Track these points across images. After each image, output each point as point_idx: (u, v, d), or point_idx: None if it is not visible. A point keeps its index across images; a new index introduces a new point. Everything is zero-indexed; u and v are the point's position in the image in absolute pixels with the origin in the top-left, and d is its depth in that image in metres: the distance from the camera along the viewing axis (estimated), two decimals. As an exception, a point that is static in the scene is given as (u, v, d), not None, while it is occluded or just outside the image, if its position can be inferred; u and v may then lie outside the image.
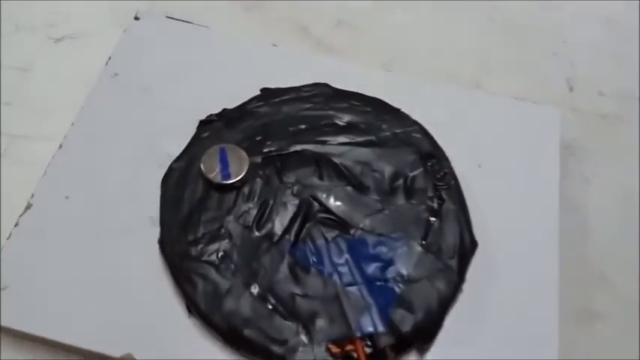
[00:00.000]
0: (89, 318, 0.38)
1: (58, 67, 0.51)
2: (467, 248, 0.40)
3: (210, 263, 0.39)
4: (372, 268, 0.39)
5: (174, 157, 0.44)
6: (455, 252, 0.40)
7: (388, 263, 0.39)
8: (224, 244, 0.40)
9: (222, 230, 0.40)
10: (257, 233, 0.40)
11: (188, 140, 0.45)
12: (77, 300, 0.39)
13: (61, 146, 0.46)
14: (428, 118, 0.47)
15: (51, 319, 0.38)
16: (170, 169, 0.43)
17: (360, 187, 0.43)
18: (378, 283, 0.39)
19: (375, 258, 0.40)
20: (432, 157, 0.44)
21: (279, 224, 0.41)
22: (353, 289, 0.38)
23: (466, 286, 0.40)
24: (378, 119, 0.46)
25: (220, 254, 0.39)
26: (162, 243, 0.40)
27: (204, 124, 0.45)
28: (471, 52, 0.57)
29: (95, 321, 0.38)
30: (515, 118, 0.49)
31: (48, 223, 0.42)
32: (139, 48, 0.50)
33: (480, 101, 0.50)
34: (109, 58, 0.50)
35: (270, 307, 0.38)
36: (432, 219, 0.41)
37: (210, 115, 0.46)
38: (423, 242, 0.40)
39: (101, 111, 0.47)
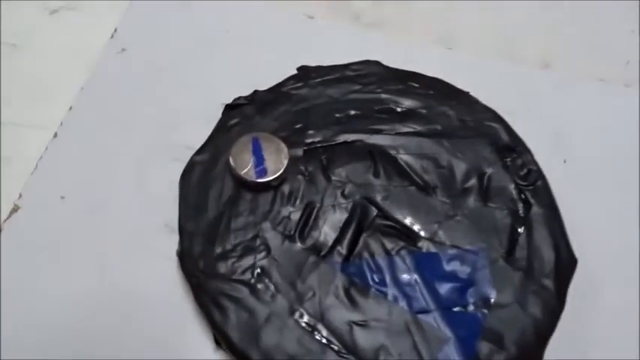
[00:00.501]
0: (90, 349, 0.30)
1: (54, 43, 0.43)
2: (565, 265, 0.32)
3: (245, 283, 0.31)
4: (447, 290, 0.31)
5: (194, 150, 0.36)
6: (551, 269, 0.32)
7: (467, 283, 0.31)
8: (260, 258, 0.31)
9: (258, 241, 0.32)
10: (301, 245, 0.32)
11: (211, 129, 0.37)
12: (74, 327, 0.31)
13: (56, 135, 0.38)
14: (497, 103, 0.39)
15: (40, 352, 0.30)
16: (191, 164, 0.35)
17: (426, 187, 0.34)
18: (457, 309, 0.31)
19: (451, 277, 0.31)
20: (511, 150, 0.36)
21: (327, 233, 0.32)
22: (426, 317, 0.30)
23: (565, 313, 0.32)
24: (443, 104, 0.38)
25: (257, 272, 0.31)
26: (183, 256, 0.32)
27: (231, 109, 0.37)
28: (536, 28, 0.49)
29: (97, 353, 0.30)
30: (601, 103, 0.41)
31: (39, 229, 0.34)
32: (150, 19, 0.42)
33: (556, 84, 0.42)
34: (115, 31, 0.42)
35: (321, 340, 0.29)
36: (518, 227, 0.33)
37: (239, 97, 0.37)
38: (509, 256, 0.32)
39: (105, 93, 0.39)
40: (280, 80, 0.39)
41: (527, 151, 0.36)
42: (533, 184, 0.35)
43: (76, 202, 0.35)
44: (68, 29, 0.44)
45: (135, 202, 0.35)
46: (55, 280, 0.33)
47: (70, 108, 0.39)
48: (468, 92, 0.39)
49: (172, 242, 0.33)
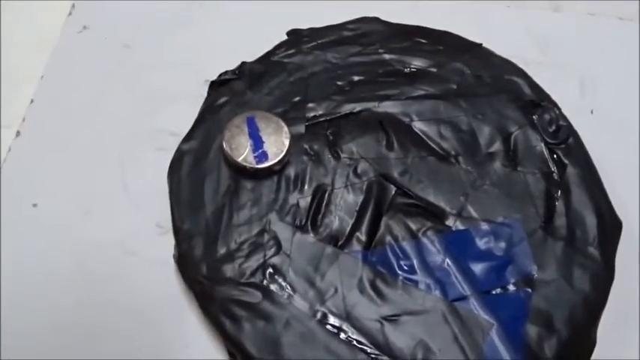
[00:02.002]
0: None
1: (5, 29, 0.37)
2: (609, 229, 0.29)
3: (256, 286, 0.27)
4: (484, 271, 0.28)
5: (180, 136, 0.31)
6: (595, 236, 0.28)
7: (505, 261, 0.28)
8: (271, 255, 0.28)
9: (266, 236, 0.28)
10: (314, 235, 0.28)
11: (197, 110, 0.32)
12: (61, 354, 0.27)
13: (18, 133, 0.33)
14: (512, 52, 0.35)
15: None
16: (179, 154, 0.30)
17: (446, 156, 0.31)
18: (497, 292, 0.27)
19: (486, 255, 0.28)
20: (537, 105, 0.32)
21: (343, 219, 0.29)
22: (464, 304, 0.27)
23: (614, 284, 0.28)
24: (456, 60, 0.33)
25: (268, 271, 0.27)
26: (182, 261, 0.28)
27: (218, 86, 0.33)
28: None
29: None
30: (624, 43, 0.37)
31: (10, 240, 0.29)
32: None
33: (574, 26, 0.38)
34: (73, 7, 0.36)
35: (350, 341, 0.26)
36: (554, 192, 0.30)
37: (225, 72, 0.33)
38: (548, 225, 0.29)
39: (68, 80, 0.34)
40: (270, 48, 0.34)
41: (555, 104, 0.32)
42: (565, 141, 0.31)
43: (52, 208, 0.31)
44: (19, 10, 0.39)
45: (119, 203, 0.31)
46: (36, 293, 0.28)
47: (32, 101, 0.34)
48: (480, 44, 0.35)
49: (167, 245, 0.29)
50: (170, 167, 0.30)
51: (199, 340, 0.28)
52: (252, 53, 0.34)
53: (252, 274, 0.27)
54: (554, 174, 0.30)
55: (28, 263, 0.29)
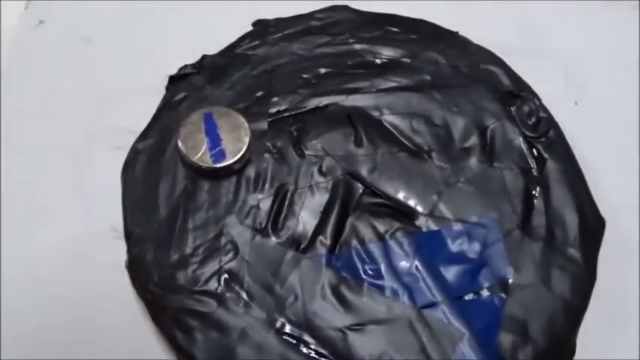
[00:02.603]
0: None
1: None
2: (591, 228, 0.27)
3: (210, 294, 0.25)
4: (456, 275, 0.26)
5: (136, 134, 0.29)
6: (576, 236, 0.27)
7: (479, 264, 0.26)
8: (227, 260, 0.26)
9: (223, 239, 0.26)
10: (275, 239, 0.26)
11: (155, 106, 0.30)
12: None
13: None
14: (490, 41, 0.33)
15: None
16: (133, 153, 0.29)
17: (419, 152, 0.29)
18: (469, 298, 0.25)
19: (459, 258, 0.26)
20: (516, 96, 0.30)
21: (306, 221, 0.27)
22: (433, 311, 0.25)
23: (595, 288, 0.27)
24: (430, 49, 0.31)
25: (224, 278, 0.25)
26: (132, 267, 0.26)
27: (176, 81, 0.31)
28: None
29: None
30: (610, 29, 0.35)
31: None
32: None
33: (556, 11, 0.36)
34: (28, 0, 0.35)
35: (309, 353, 0.24)
36: (533, 189, 0.28)
37: (185, 66, 0.31)
38: (525, 225, 0.27)
39: (25, 77, 0.33)
40: (233, 40, 0.32)
41: (534, 95, 0.30)
42: (545, 134, 0.29)
43: (4, 209, 0.29)
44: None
45: (73, 205, 0.29)
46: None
47: (-15, 99, 0.32)
48: (456, 32, 0.33)
49: (121, 250, 0.28)
50: (124, 167, 0.28)
51: (153, 350, 0.26)
52: (218, 44, 0.32)
53: (207, 281, 0.25)
54: (533, 170, 0.28)
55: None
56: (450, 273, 0.26)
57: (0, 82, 0.32)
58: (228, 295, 0.25)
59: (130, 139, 0.30)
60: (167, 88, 0.31)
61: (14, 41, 0.34)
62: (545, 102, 0.31)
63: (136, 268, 0.26)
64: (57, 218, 0.29)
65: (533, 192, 0.28)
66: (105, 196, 0.29)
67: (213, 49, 0.32)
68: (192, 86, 0.30)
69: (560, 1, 0.37)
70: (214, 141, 0.28)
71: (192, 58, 0.32)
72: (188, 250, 0.26)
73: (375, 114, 0.30)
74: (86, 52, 0.34)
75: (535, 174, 0.28)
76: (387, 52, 0.31)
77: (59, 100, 0.32)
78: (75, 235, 0.28)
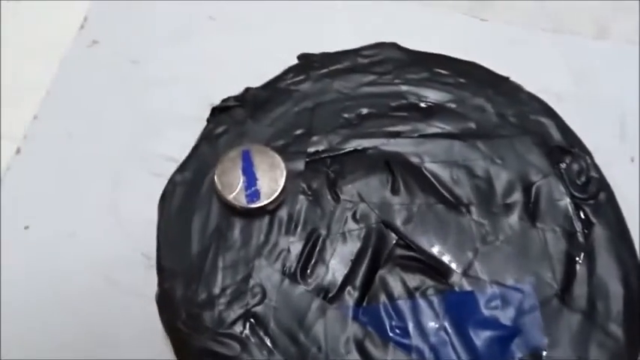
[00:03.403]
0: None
1: (10, 33, 0.37)
2: (637, 305, 0.25)
3: (235, 338, 0.25)
4: (486, 342, 0.25)
5: (176, 162, 0.30)
6: (620, 312, 0.25)
7: (512, 332, 0.25)
8: (254, 304, 0.26)
9: (251, 282, 0.26)
10: (303, 285, 0.26)
11: (196, 135, 0.31)
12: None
13: (18, 151, 0.32)
14: (543, 85, 0.31)
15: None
16: (171, 184, 0.29)
17: (457, 205, 0.28)
18: (499, 366, 0.25)
19: (491, 323, 0.25)
20: (566, 152, 0.29)
21: (336, 269, 0.26)
22: (459, 377, 0.24)
23: (638, 366, 0.25)
24: (478, 95, 0.30)
25: (249, 322, 0.25)
26: (161, 301, 0.26)
27: (218, 113, 0.31)
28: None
29: None
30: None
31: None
32: (125, 3, 0.36)
33: (617, 57, 0.34)
34: (85, 20, 0.36)
35: (329, 409, 0.24)
36: (576, 255, 0.27)
37: (227, 98, 0.31)
38: (565, 294, 0.26)
39: (73, 95, 0.33)
40: (278, 74, 0.32)
41: (586, 152, 0.29)
42: (595, 197, 0.28)
43: (42, 228, 0.30)
44: (28, 17, 0.38)
45: (107, 228, 0.30)
46: (11, 317, 0.28)
47: (35, 117, 0.33)
48: (508, 78, 0.31)
49: (151, 277, 0.28)
50: (161, 198, 0.29)
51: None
52: (260, 76, 0.32)
53: (233, 323, 0.25)
54: (579, 234, 0.27)
55: (11, 284, 0.29)
56: (480, 339, 0.25)
57: (49, 99, 0.33)
58: (252, 340, 0.25)
59: (168, 167, 0.31)
60: (208, 120, 0.31)
61: (66, 59, 0.35)
62: (597, 157, 0.30)
63: (165, 303, 0.26)
64: (91, 239, 0.30)
65: (577, 258, 0.26)
66: (139, 222, 0.30)
67: (259, 77, 0.32)
68: (234, 119, 0.30)
69: (623, 44, 0.35)
70: (250, 180, 0.28)
71: (237, 85, 0.32)
72: (216, 291, 0.26)
73: (415, 161, 0.29)
74: (133, 74, 0.34)
75: (580, 239, 0.27)
76: (433, 96, 0.30)
77: (103, 120, 0.33)
78: (106, 258, 0.29)
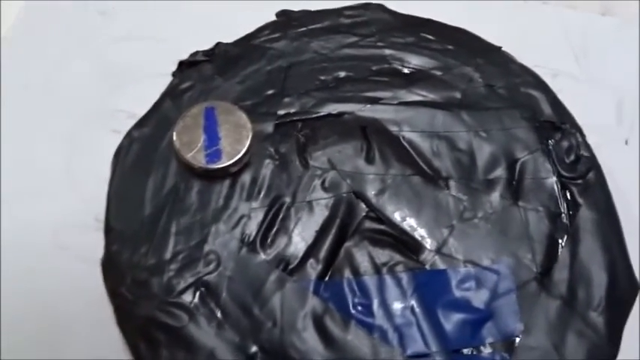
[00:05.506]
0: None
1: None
2: (621, 294, 0.23)
3: (183, 307, 0.23)
4: (456, 325, 0.23)
5: (137, 119, 0.28)
6: (602, 300, 0.23)
7: (484, 315, 0.23)
8: (207, 272, 0.24)
9: (206, 247, 0.24)
10: (263, 255, 0.24)
11: (161, 92, 0.28)
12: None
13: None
14: (540, 61, 0.29)
15: None
16: (127, 139, 0.27)
17: (435, 178, 0.26)
18: (467, 353, 0.23)
19: (462, 305, 0.23)
20: (556, 128, 0.27)
21: (299, 240, 0.24)
22: (424, 362, 0.22)
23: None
24: (466, 63, 0.28)
25: (199, 292, 0.23)
26: (106, 266, 0.24)
27: (185, 67, 0.29)
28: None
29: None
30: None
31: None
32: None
33: (618, 33, 0.32)
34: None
35: (280, 388, 0.22)
36: (559, 237, 0.24)
37: (196, 52, 0.29)
38: (544, 278, 0.24)
39: (34, 45, 0.31)
40: (253, 30, 0.30)
41: (577, 129, 0.27)
42: (584, 176, 0.26)
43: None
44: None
45: (59, 188, 0.28)
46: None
47: (-10, 63, 0.31)
48: (500, 47, 0.29)
49: (102, 241, 0.26)
50: (115, 154, 0.27)
51: (117, 355, 0.24)
52: (233, 32, 0.30)
53: (182, 292, 0.23)
54: (563, 215, 0.25)
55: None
56: (450, 321, 0.23)
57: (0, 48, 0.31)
58: (201, 310, 0.23)
59: (129, 123, 0.28)
60: (174, 74, 0.29)
61: (29, 4, 0.32)
62: (590, 138, 0.28)
63: (110, 267, 0.24)
64: (43, 201, 0.27)
65: (560, 241, 0.24)
66: (93, 182, 0.27)
67: (234, 35, 0.30)
68: (201, 75, 0.28)
69: (629, 22, 0.33)
70: (212, 139, 0.25)
71: (210, 43, 0.30)
72: (167, 256, 0.24)
73: (393, 129, 0.27)
74: (99, 26, 0.32)
75: (564, 220, 0.25)
76: (417, 61, 0.28)
77: (64, 73, 0.31)
78: (57, 222, 0.27)
